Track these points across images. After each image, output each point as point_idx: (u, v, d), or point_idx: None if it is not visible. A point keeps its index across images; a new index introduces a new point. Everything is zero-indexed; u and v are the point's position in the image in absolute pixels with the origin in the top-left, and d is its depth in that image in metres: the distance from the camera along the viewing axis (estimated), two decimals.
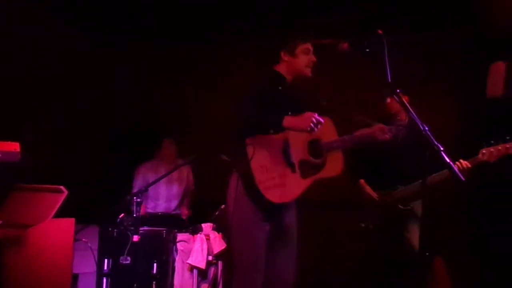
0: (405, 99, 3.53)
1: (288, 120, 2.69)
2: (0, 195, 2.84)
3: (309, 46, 2.93)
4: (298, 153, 2.80)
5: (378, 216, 3.46)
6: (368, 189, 3.54)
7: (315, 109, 2.91)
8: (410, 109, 2.14)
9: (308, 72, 2.92)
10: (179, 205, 4.81)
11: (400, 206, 3.38)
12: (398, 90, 2.23)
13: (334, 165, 2.85)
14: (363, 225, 3.50)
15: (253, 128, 2.75)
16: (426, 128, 2.07)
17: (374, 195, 3.49)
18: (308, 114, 2.67)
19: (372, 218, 3.49)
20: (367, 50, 2.42)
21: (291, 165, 2.78)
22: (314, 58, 2.93)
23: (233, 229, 2.81)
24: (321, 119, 2.66)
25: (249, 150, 2.70)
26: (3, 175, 2.30)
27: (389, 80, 2.23)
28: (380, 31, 2.34)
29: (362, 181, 3.58)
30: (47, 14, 4.57)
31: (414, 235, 3.35)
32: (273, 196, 2.69)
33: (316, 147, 2.82)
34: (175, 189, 4.78)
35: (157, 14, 4.92)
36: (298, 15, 4.70)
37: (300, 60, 2.91)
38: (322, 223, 4.67)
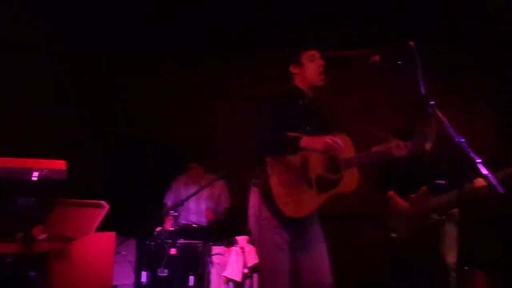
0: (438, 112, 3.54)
1: (305, 141, 2.73)
2: (46, 210, 2.95)
3: (313, 53, 2.94)
4: (315, 169, 2.83)
5: (410, 226, 3.44)
6: (399, 199, 3.52)
7: (334, 122, 2.95)
8: (445, 121, 2.15)
9: (319, 80, 2.92)
10: (210, 221, 4.85)
11: (434, 216, 3.36)
12: (432, 102, 2.23)
13: (349, 181, 2.87)
14: (394, 235, 3.48)
15: (270, 148, 2.79)
16: (462, 140, 2.07)
17: (406, 205, 3.47)
18: (327, 136, 2.71)
19: (402, 229, 3.47)
20: (399, 62, 2.44)
21: (307, 181, 2.81)
22: (322, 63, 2.92)
23: (256, 242, 2.88)
24: (338, 141, 2.68)
25: (269, 167, 2.75)
26: (50, 191, 2.40)
27: (423, 92, 2.24)
28: (411, 43, 2.36)
29: (392, 192, 3.57)
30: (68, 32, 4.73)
31: (446, 246, 3.33)
32: (289, 210, 2.73)
33: (334, 164, 2.85)
34: (204, 205, 4.82)
35: (189, 35, 5.03)
36: (321, 29, 4.73)
37: (307, 69, 2.93)
38: (347, 235, 4.66)
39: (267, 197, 2.75)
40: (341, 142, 2.70)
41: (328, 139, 2.68)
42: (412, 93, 2.28)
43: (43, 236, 2.50)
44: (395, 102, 4.45)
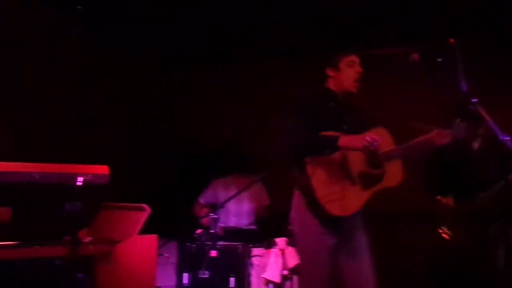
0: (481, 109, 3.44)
1: (343, 140, 2.70)
2: (91, 214, 3.04)
3: (352, 58, 2.90)
4: (356, 165, 2.79)
5: (466, 233, 3.35)
6: (450, 201, 3.44)
7: (371, 121, 2.90)
8: (488, 119, 2.09)
9: (353, 87, 2.89)
10: (251, 223, 4.87)
11: (494, 228, 3.25)
12: (474, 100, 2.18)
13: (394, 174, 2.82)
14: (447, 236, 3.39)
15: (308, 150, 2.77)
16: (507, 138, 2.01)
17: (456, 205, 3.39)
18: (366, 134, 2.68)
19: (455, 230, 3.38)
20: (439, 59, 2.40)
21: (350, 178, 2.77)
22: (360, 70, 2.89)
23: (298, 245, 2.87)
24: (376, 138, 2.64)
25: (309, 167, 2.74)
26: (94, 195, 2.47)
27: (465, 90, 2.20)
28: (452, 40, 2.32)
29: (439, 197, 3.50)
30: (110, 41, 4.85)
31: (500, 250, 3.23)
32: (335, 209, 2.71)
33: (374, 158, 2.80)
34: (245, 206, 4.85)
35: (228, 35, 5.08)
36: (360, 29, 4.68)
37: (344, 75, 2.90)
38: (394, 235, 4.58)
39: (310, 199, 2.74)
40: (379, 138, 2.66)
41: (367, 136, 2.64)
42: (454, 91, 2.23)
43: (88, 239, 2.58)
44: (437, 101, 4.35)
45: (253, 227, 4.85)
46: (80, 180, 2.18)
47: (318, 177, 2.73)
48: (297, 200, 2.86)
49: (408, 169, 2.86)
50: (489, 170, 3.38)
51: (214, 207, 4.32)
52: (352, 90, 2.90)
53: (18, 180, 1.97)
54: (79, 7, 4.30)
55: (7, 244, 2.13)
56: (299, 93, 3.03)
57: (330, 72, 2.94)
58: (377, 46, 4.67)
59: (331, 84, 2.95)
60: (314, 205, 2.73)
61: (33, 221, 2.37)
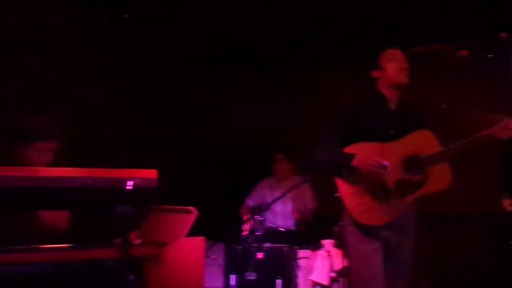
0: None
1: (356, 160, 2.66)
2: (140, 217, 3.11)
3: (391, 51, 2.84)
4: (392, 173, 2.70)
5: None
6: (507, 203, 3.32)
7: (423, 122, 2.81)
8: None
9: (402, 77, 2.80)
10: (297, 224, 4.86)
11: None
12: None
13: (439, 179, 2.69)
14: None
15: (329, 166, 2.80)
16: None
17: None
18: (372, 157, 2.62)
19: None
20: (490, 55, 2.32)
21: (385, 187, 2.71)
22: (402, 59, 2.82)
23: (347, 248, 2.85)
24: (384, 163, 2.57)
25: (339, 178, 2.75)
26: (143, 199, 2.53)
27: None
28: (503, 35, 2.24)
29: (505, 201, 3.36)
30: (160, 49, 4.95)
31: None
32: (367, 219, 2.68)
33: (414, 163, 2.70)
34: (291, 205, 4.85)
35: (270, 36, 5.10)
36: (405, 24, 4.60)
37: (388, 69, 2.83)
38: (450, 239, 4.45)
39: (344, 209, 2.75)
40: (386, 163, 2.58)
41: (371, 161, 2.59)
42: (505, 88, 2.15)
43: (138, 241, 2.64)
44: (488, 98, 4.21)
45: (299, 228, 4.84)
46: (130, 184, 2.23)
47: (348, 188, 2.72)
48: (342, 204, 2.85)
49: (471, 168, 2.75)
50: None
51: (260, 209, 4.34)
52: (403, 80, 2.81)
53: (72, 185, 2.04)
54: (125, 15, 4.44)
55: (62, 246, 2.21)
56: (341, 99, 3.00)
57: (375, 73, 2.90)
58: (425, 43, 4.56)
59: (381, 86, 2.89)
60: (348, 214, 2.70)
61: (86, 224, 2.46)
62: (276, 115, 5.58)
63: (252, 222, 4.38)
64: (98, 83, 4.30)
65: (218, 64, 5.53)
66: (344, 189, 2.73)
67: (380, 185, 2.70)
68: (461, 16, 4.46)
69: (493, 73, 2.37)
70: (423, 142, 2.71)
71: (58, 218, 2.64)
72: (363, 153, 2.68)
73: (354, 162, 2.66)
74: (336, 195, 2.82)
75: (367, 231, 2.71)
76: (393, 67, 2.82)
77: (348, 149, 2.76)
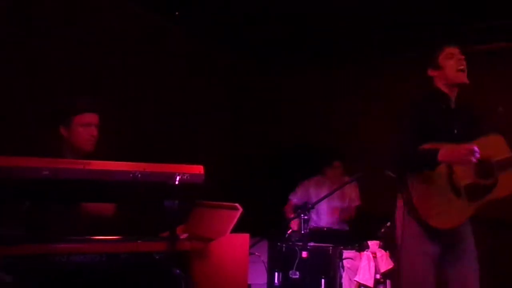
0: None
1: (442, 155, 2.56)
2: (186, 212, 3.16)
3: (450, 50, 2.76)
4: (464, 176, 2.66)
5: None
6: None
7: (487, 122, 2.73)
8: None
9: (461, 77, 2.72)
10: (342, 222, 4.82)
11: None
12: None
13: (506, 184, 2.65)
14: None
15: (408, 166, 2.70)
16: None
17: None
18: (463, 146, 2.53)
19: None
20: None
21: (456, 190, 2.65)
22: (461, 58, 2.73)
23: (401, 251, 2.79)
24: (476, 149, 2.48)
25: (410, 179, 2.67)
26: (189, 194, 2.57)
27: None
28: None
29: None
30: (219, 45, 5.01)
31: None
32: (437, 223, 2.63)
33: (486, 167, 2.64)
34: (336, 204, 4.81)
35: (323, 36, 5.08)
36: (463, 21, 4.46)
37: (446, 68, 2.75)
38: (505, 245, 4.29)
39: (412, 211, 2.67)
40: (478, 149, 2.50)
41: (463, 149, 2.51)
42: None
43: (185, 235, 2.68)
44: None
45: (345, 227, 4.79)
46: (177, 179, 2.26)
47: (420, 191, 2.65)
48: (401, 205, 2.80)
49: None
50: None
51: (305, 207, 4.32)
52: (462, 80, 2.73)
53: (122, 178, 2.10)
54: (177, 12, 4.52)
55: (112, 238, 2.28)
56: (408, 98, 2.93)
57: (432, 72, 2.82)
58: (483, 41, 4.41)
59: (439, 84, 2.82)
60: (417, 216, 2.65)
61: (135, 217, 2.52)
62: (329, 116, 5.54)
63: (298, 220, 4.36)
64: (150, 80, 4.39)
65: (270, 63, 5.55)
66: (416, 190, 2.67)
67: (452, 188, 2.65)
68: None
69: None
70: (494, 146, 2.65)
71: (108, 210, 2.72)
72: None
73: (440, 157, 2.57)
74: (399, 196, 2.77)
75: (433, 233, 2.66)
76: (450, 65, 2.74)
77: None
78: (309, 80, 5.65)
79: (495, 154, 2.65)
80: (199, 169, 2.37)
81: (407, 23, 4.73)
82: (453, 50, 2.77)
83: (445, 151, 2.57)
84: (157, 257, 2.29)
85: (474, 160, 2.51)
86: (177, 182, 2.25)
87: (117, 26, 4.26)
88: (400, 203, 2.80)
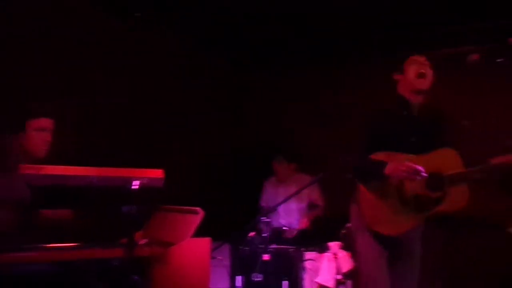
0: None
1: (389, 169, 2.62)
2: (146, 217, 3.12)
3: (414, 57, 2.79)
4: (413, 187, 2.69)
5: None
6: None
7: (447, 130, 2.77)
8: None
9: (420, 83, 2.74)
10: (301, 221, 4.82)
11: None
12: None
13: (456, 199, 2.66)
14: None
15: (358, 174, 2.76)
16: None
17: None
18: (407, 164, 2.59)
19: None
20: (499, 60, 2.30)
21: (404, 201, 2.70)
22: (422, 66, 2.75)
23: (355, 252, 2.85)
24: (419, 168, 2.55)
25: (361, 186, 2.73)
26: (149, 199, 2.53)
27: None
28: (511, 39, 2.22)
29: None
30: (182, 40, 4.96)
31: None
32: (383, 229, 2.69)
33: (436, 181, 2.67)
34: (293, 205, 4.81)
35: (287, 38, 5.11)
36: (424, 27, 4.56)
37: (408, 73, 2.78)
38: (462, 244, 4.40)
39: (360, 216, 2.74)
40: (421, 168, 2.56)
41: (407, 168, 2.57)
42: None
43: (144, 241, 2.64)
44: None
45: (308, 227, 4.81)
46: (136, 184, 2.23)
47: (368, 197, 2.71)
48: (354, 210, 2.85)
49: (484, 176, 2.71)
50: None
51: (265, 211, 4.34)
52: (420, 86, 2.75)
53: (78, 183, 2.05)
54: (137, 14, 4.45)
55: (68, 245, 2.22)
56: (369, 105, 2.96)
57: (397, 76, 2.85)
58: (440, 46, 4.49)
59: (401, 89, 2.84)
60: (363, 221, 2.73)
61: (92, 223, 2.46)
62: (282, 117, 5.56)
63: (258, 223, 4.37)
64: (106, 82, 4.29)
65: (233, 63, 5.53)
66: (364, 197, 2.73)
67: (400, 198, 2.70)
68: (474, 19, 4.41)
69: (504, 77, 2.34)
70: (447, 160, 2.67)
71: (63, 217, 2.65)
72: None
73: (387, 170, 2.62)
74: (352, 199, 2.82)
75: (380, 239, 2.71)
76: (411, 71, 2.76)
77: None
78: (270, 81, 5.67)
79: (447, 168, 2.67)
80: (158, 173, 2.34)
81: (367, 27, 4.79)
82: (417, 58, 2.79)
83: (391, 166, 2.62)
84: (115, 263, 2.25)
85: (418, 178, 2.57)
86: (135, 187, 2.21)
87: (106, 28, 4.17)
88: (353, 205, 2.85)
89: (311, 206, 4.85)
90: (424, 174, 2.57)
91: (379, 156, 2.70)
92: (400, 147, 2.70)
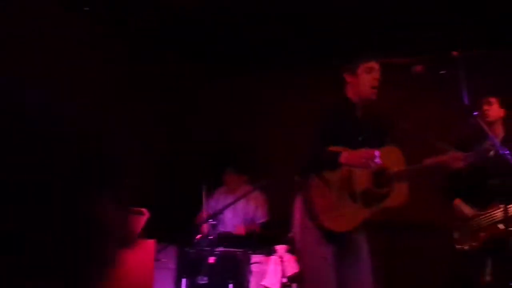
0: (501, 112, 3.35)
1: (344, 157, 2.65)
2: None
3: (372, 64, 2.79)
4: (361, 183, 2.76)
5: (477, 238, 3.29)
6: (465, 208, 3.36)
7: (389, 132, 2.87)
8: (489, 132, 2.08)
9: (371, 93, 2.78)
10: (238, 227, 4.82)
11: (500, 226, 3.19)
12: (475, 113, 2.17)
13: (398, 195, 2.77)
14: (459, 247, 3.33)
15: (311, 165, 2.78)
16: (506, 152, 2.00)
17: (472, 213, 3.32)
18: (364, 150, 2.64)
19: (468, 240, 3.32)
20: (443, 72, 2.39)
21: (352, 195, 2.75)
22: (377, 77, 2.77)
23: (300, 252, 2.87)
24: (375, 154, 2.59)
25: (312, 180, 2.74)
26: None
27: (467, 103, 2.19)
28: (455, 53, 2.31)
29: (458, 200, 3.39)
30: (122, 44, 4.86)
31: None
32: (332, 225, 2.71)
33: (383, 177, 2.76)
34: (239, 218, 4.81)
35: (226, 42, 5.09)
36: (369, 34, 4.65)
37: (362, 80, 2.79)
38: (405, 247, 4.53)
39: (310, 211, 2.74)
40: (378, 157, 2.60)
41: (364, 153, 2.62)
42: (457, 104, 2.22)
43: None
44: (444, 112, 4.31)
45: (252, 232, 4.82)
46: None
47: (319, 190, 2.73)
48: (299, 207, 2.85)
49: (422, 179, 2.82)
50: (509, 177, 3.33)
51: (213, 214, 4.31)
52: (370, 96, 2.79)
53: None
54: (86, 8, 4.33)
55: None
56: (317, 106, 2.96)
57: (348, 77, 2.83)
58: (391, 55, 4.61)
59: (350, 92, 2.86)
60: (313, 218, 2.72)
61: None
62: (232, 125, 5.55)
63: (208, 223, 4.33)
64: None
65: (181, 68, 5.47)
66: (315, 192, 2.74)
67: (349, 193, 2.75)
68: (421, 31, 4.56)
69: (446, 89, 2.44)
70: (391, 158, 2.75)
71: None
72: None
73: (342, 159, 2.63)
74: (298, 198, 2.82)
75: (328, 235, 2.73)
76: (367, 80, 2.77)
77: None
78: (217, 84, 5.64)
79: (392, 165, 2.76)
80: None
81: (316, 32, 4.84)
82: (375, 65, 2.80)
83: (347, 153, 2.66)
84: None
85: (373, 165, 2.61)
86: None
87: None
88: (298, 205, 2.85)
89: (252, 220, 4.85)
90: (378, 161, 2.58)
91: (333, 149, 2.74)
92: (349, 145, 2.74)
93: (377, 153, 2.59)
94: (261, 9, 4.43)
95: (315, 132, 2.81)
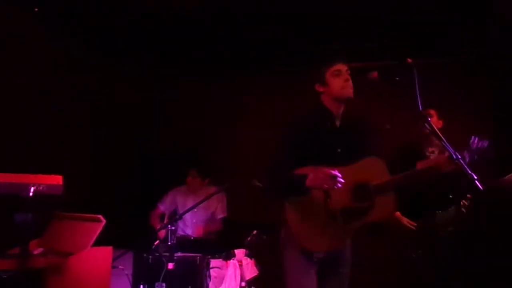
0: (440, 123, 3.52)
1: (310, 180, 2.53)
2: (43, 225, 2.94)
3: (338, 67, 2.71)
4: (340, 199, 2.62)
5: (421, 245, 3.44)
6: (405, 220, 3.54)
7: (369, 140, 2.80)
8: (442, 138, 2.15)
9: (347, 93, 2.68)
10: (207, 232, 4.81)
11: (440, 232, 3.36)
12: (429, 119, 2.24)
13: (383, 207, 2.66)
14: (413, 255, 3.47)
15: (277, 191, 2.70)
16: (459, 157, 2.07)
17: (412, 225, 3.50)
18: (322, 170, 2.51)
19: (414, 248, 3.47)
20: (397, 78, 2.44)
21: (331, 214, 2.63)
22: (347, 77, 2.70)
23: (285, 270, 2.72)
24: (334, 173, 2.48)
25: (287, 202, 2.64)
26: (46, 206, 2.39)
27: (420, 109, 2.25)
28: (409, 60, 2.35)
29: (398, 213, 3.57)
30: (77, 42, 4.76)
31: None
32: (312, 245, 2.62)
33: (362, 191, 2.65)
34: (201, 215, 4.80)
35: (193, 44, 5.07)
36: (329, 41, 4.72)
37: (332, 85, 2.70)
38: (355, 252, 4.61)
39: (290, 235, 2.64)
40: (336, 172, 2.49)
41: (322, 174, 2.49)
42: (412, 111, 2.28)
43: (39, 250, 2.49)
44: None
45: (211, 237, 4.81)
46: (31, 190, 2.10)
47: (295, 212, 2.63)
48: (283, 227, 2.73)
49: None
50: (448, 186, 3.47)
51: (171, 218, 4.27)
52: (348, 95, 2.69)
53: None
54: (36, 9, 4.22)
55: None
56: (292, 116, 2.82)
57: (319, 88, 2.76)
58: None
59: (325, 100, 2.76)
60: (293, 241, 2.64)
61: None
62: (195, 127, 5.51)
63: (165, 229, 4.27)
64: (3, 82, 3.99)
65: (138, 65, 5.39)
66: (291, 215, 2.63)
67: (327, 212, 2.62)
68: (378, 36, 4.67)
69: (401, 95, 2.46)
70: (372, 170, 2.67)
71: None
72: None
73: (308, 182, 2.51)
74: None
75: (309, 255, 2.63)
76: (337, 83, 2.68)
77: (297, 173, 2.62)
78: (181, 86, 5.59)
79: (373, 177, 2.66)
80: (57, 179, 2.22)
81: (288, 38, 4.86)
82: (341, 67, 2.73)
83: (312, 175, 2.53)
84: (4, 276, 2.09)
85: (338, 185, 2.50)
86: (31, 194, 2.08)
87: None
88: (283, 225, 2.71)
89: (212, 219, 4.84)
90: (341, 180, 2.49)
91: (304, 170, 2.59)
92: (326, 159, 2.63)
93: (336, 172, 2.50)
94: (261, 9, 4.40)
95: (283, 140, 2.72)
